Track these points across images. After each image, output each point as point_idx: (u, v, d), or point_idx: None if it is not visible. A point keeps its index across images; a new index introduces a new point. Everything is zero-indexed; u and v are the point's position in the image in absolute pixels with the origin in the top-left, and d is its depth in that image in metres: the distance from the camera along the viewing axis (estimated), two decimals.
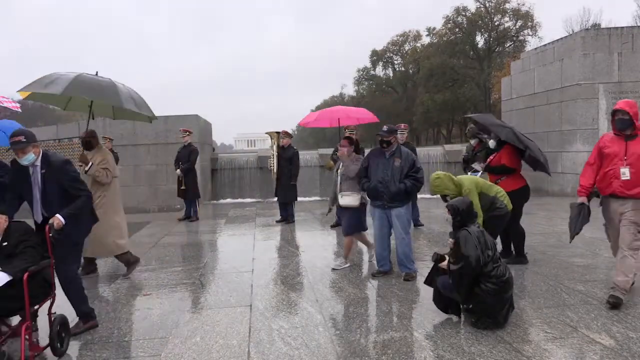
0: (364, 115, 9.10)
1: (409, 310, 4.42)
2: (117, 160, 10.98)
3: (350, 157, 5.81)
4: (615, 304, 4.19)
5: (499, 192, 5.11)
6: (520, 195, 5.78)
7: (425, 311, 4.33)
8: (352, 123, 8.97)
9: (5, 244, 3.47)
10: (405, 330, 3.92)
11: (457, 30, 55.17)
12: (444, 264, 4.06)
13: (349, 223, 5.88)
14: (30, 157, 3.74)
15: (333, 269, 5.86)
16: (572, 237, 4.60)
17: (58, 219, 3.70)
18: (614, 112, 4.34)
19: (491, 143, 6.07)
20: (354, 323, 4.13)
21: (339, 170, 5.91)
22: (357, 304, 4.62)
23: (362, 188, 5.58)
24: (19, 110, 3.38)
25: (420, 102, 53.22)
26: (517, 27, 52.45)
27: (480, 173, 6.01)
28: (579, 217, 4.47)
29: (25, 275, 3.32)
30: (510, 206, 5.10)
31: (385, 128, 5.39)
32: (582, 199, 4.48)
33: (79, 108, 6.03)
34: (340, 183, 5.82)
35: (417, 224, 8.47)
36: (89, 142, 5.82)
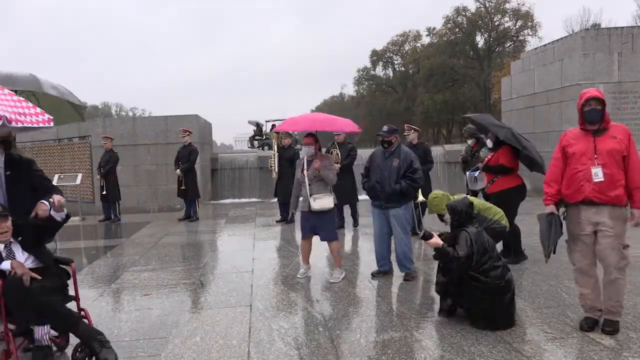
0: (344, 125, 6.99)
1: (409, 310, 4.42)
2: (117, 160, 11.03)
3: (322, 162, 5.36)
4: (612, 332, 3.69)
5: (497, 213, 5.00)
6: (516, 194, 5.80)
7: (425, 311, 4.33)
8: (332, 130, 7.56)
9: (20, 239, 3.47)
10: (405, 330, 3.92)
11: (457, 30, 55.13)
12: (435, 241, 3.94)
13: (330, 228, 5.47)
14: None
15: (332, 282, 5.33)
16: (547, 256, 3.95)
17: (45, 205, 3.56)
18: (585, 103, 3.70)
19: (488, 142, 6.09)
20: (353, 323, 4.13)
21: (304, 172, 5.37)
22: (356, 304, 4.62)
23: (363, 187, 5.58)
24: (50, 124, 3.25)
25: (420, 102, 53.16)
26: (517, 27, 52.40)
27: (478, 172, 6.02)
28: (551, 231, 3.84)
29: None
30: (509, 226, 5.09)
31: (385, 128, 5.30)
32: (551, 208, 3.87)
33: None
34: (310, 185, 5.33)
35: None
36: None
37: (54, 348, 3.52)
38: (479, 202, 5.10)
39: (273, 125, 22.45)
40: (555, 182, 3.86)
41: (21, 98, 3.23)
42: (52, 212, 3.55)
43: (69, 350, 3.56)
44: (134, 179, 12.87)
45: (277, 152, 9.63)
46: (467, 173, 6.24)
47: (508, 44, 54.09)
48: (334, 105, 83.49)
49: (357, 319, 4.22)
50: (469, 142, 6.87)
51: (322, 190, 5.36)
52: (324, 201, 5.30)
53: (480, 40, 55.41)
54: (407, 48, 64.48)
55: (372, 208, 5.54)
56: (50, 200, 3.54)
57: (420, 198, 6.76)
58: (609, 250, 3.63)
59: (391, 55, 66.26)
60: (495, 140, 5.94)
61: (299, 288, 5.21)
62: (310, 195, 5.30)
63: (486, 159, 6.03)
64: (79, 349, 3.38)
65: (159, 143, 12.87)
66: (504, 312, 3.78)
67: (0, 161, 3.72)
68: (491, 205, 5.15)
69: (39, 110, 3.25)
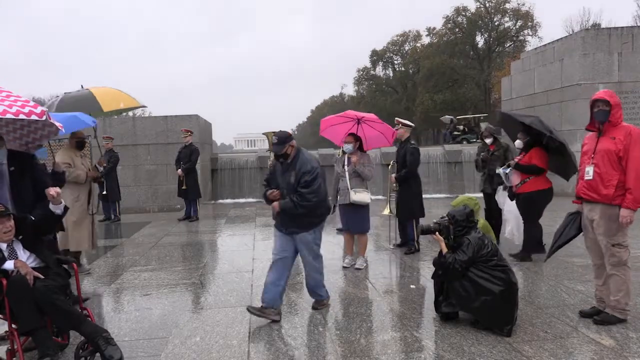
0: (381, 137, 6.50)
1: (409, 310, 4.42)
2: (117, 160, 11.02)
3: (360, 159, 5.75)
4: (600, 322, 3.85)
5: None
6: (543, 197, 5.95)
7: (425, 311, 4.34)
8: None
9: (21, 237, 3.48)
10: (405, 330, 3.93)
11: (457, 30, 55.17)
12: (440, 237, 4.03)
13: (363, 222, 5.85)
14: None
15: (357, 268, 5.84)
16: (548, 255, 4.29)
17: (54, 190, 3.54)
18: (593, 104, 3.84)
19: (518, 143, 6.12)
20: (353, 323, 4.13)
21: (345, 167, 5.79)
22: (356, 304, 4.62)
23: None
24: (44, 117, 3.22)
25: (420, 102, 53.19)
26: (517, 27, 52.41)
27: (509, 170, 6.00)
28: (564, 230, 4.08)
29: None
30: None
31: (275, 139, 4.25)
32: (579, 207, 4.07)
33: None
34: (350, 180, 5.72)
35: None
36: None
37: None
38: (488, 228, 5.02)
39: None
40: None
41: (11, 93, 3.16)
42: (51, 206, 3.55)
43: (70, 349, 3.57)
44: (134, 179, 12.87)
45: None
46: (500, 170, 6.14)
47: (508, 44, 54.10)
48: (334, 106, 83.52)
49: (357, 319, 4.23)
50: (488, 140, 6.74)
51: (360, 185, 5.75)
52: (363, 195, 5.69)
53: (480, 40, 55.43)
54: (407, 48, 64.52)
55: (274, 228, 4.70)
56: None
57: (386, 211, 6.81)
58: (602, 246, 3.84)
59: (391, 55, 66.30)
60: (527, 141, 6.01)
61: (298, 288, 5.21)
62: (351, 188, 5.67)
63: (517, 158, 6.06)
64: (83, 347, 3.39)
65: (159, 143, 12.87)
66: (505, 313, 3.77)
67: (4, 156, 3.69)
68: (489, 229, 5.16)
69: (31, 103, 3.16)
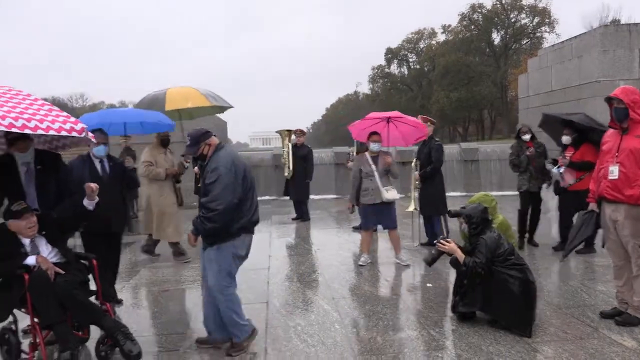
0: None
1: (426, 308, 4.40)
2: (134, 158, 11.12)
3: (388, 158, 5.79)
4: (622, 323, 3.77)
5: (510, 237, 4.87)
6: None
7: (443, 310, 4.31)
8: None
9: (44, 233, 3.55)
10: (422, 328, 3.91)
11: (472, 27, 54.63)
12: (451, 246, 4.00)
13: (394, 218, 5.87)
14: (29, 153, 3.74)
15: (405, 265, 5.83)
16: (564, 255, 4.28)
17: (94, 185, 3.64)
18: (609, 101, 3.78)
19: (565, 139, 6.03)
20: (370, 321, 4.13)
21: (373, 166, 5.73)
22: (373, 302, 4.61)
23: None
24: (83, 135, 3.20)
25: (435, 100, 52.82)
26: (534, 23, 51.76)
27: (563, 168, 5.91)
28: (580, 230, 4.04)
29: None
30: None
31: (187, 140, 3.55)
32: (592, 206, 3.99)
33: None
34: (380, 178, 5.69)
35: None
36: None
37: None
38: (507, 226, 4.94)
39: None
40: (597, 180, 3.95)
41: (53, 108, 3.21)
42: (85, 201, 3.64)
43: (91, 343, 3.63)
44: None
45: (290, 150, 9.62)
46: (554, 169, 6.06)
47: (525, 41, 53.46)
48: (349, 104, 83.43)
49: (374, 317, 4.22)
50: (526, 137, 6.48)
51: (388, 183, 5.77)
52: (393, 192, 5.76)
53: (496, 37, 54.88)
54: (422, 45, 64.10)
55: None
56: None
57: (411, 207, 6.72)
58: (628, 247, 3.72)
59: (406, 53, 65.93)
60: (575, 138, 5.92)
61: (315, 286, 5.23)
62: (383, 187, 5.65)
63: (566, 155, 5.95)
64: (102, 342, 3.45)
65: (176, 142, 12.96)
66: (524, 314, 3.73)
67: (31, 156, 3.77)
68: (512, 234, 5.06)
69: (71, 119, 3.17)
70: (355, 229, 8.34)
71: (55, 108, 3.25)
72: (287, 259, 6.56)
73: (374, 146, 5.82)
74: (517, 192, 6.75)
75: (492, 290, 3.80)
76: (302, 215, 9.66)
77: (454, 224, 5.86)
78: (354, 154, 8.31)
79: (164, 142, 6.34)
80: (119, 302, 4.72)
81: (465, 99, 50.24)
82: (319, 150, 14.48)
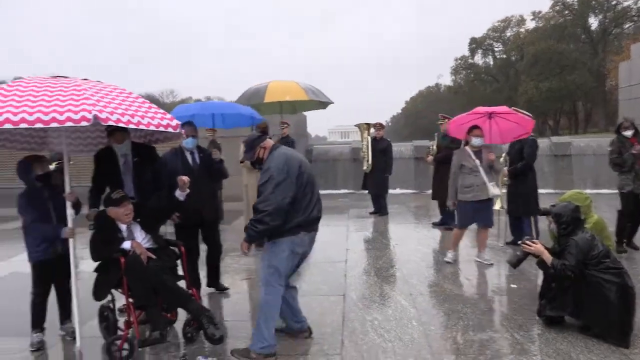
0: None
1: (510, 310, 4.21)
2: (220, 150, 11.60)
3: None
4: None
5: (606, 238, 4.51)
6: None
7: (528, 312, 4.09)
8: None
9: (138, 220, 3.82)
10: (506, 331, 3.74)
11: (566, 12, 50.93)
12: (538, 247, 3.78)
13: (492, 215, 5.72)
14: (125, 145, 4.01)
15: (488, 264, 5.62)
16: None
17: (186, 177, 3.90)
18: None
19: None
20: (449, 320, 4.02)
21: (476, 161, 5.51)
22: (452, 301, 4.48)
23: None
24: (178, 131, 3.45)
25: (523, 90, 49.94)
26: (639, 5, 47.18)
27: None
28: None
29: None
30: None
31: (243, 147, 3.64)
32: None
33: (269, 111, 7.11)
34: (485, 174, 5.49)
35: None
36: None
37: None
38: (603, 226, 4.58)
39: None
40: None
41: (152, 105, 3.49)
42: (177, 192, 3.88)
43: (178, 325, 3.87)
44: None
45: (369, 144, 9.57)
46: None
47: (627, 25, 48.92)
48: (429, 96, 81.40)
49: (454, 315, 4.10)
50: (627, 133, 5.84)
51: (492, 178, 5.60)
52: (497, 189, 5.64)
53: (594, 21, 50.75)
54: (509, 34, 60.87)
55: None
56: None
57: (497, 206, 6.30)
58: None
59: (491, 42, 62.97)
60: None
61: (392, 281, 5.18)
62: (490, 182, 5.49)
63: None
64: (189, 324, 3.67)
65: (275, 134, 13.34)
66: (621, 322, 3.44)
67: (128, 148, 4.06)
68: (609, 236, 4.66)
69: (168, 116, 3.45)
70: (435, 225, 8.15)
71: (154, 105, 3.51)
72: (364, 252, 6.56)
73: (476, 141, 5.55)
74: (616, 191, 6.21)
75: (584, 295, 3.54)
76: (380, 209, 9.60)
77: (544, 224, 5.53)
78: (434, 147, 8.09)
79: (263, 133, 6.48)
80: (225, 289, 4.95)
81: (556, 89, 47.03)
82: (398, 143, 14.30)
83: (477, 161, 5.50)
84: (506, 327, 3.82)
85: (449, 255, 5.82)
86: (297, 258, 3.48)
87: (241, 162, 6.48)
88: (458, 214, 5.81)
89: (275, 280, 3.37)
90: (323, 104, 6.92)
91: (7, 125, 2.79)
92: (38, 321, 3.81)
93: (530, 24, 56.90)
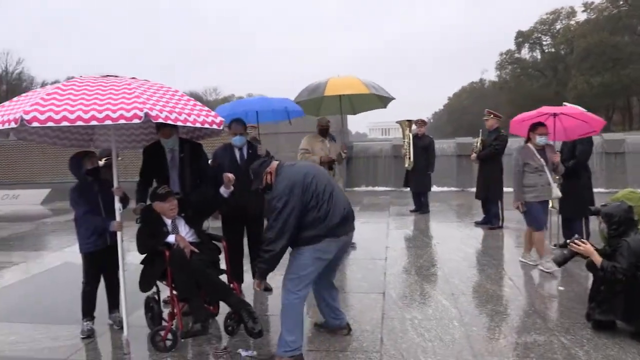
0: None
1: (556, 313, 4.06)
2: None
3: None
4: None
5: None
6: None
7: (576, 316, 3.93)
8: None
9: (183, 214, 3.92)
10: (551, 334, 3.61)
11: (621, 2, 48.49)
12: (586, 247, 3.63)
13: (546, 216, 5.48)
14: (173, 141, 4.10)
15: (547, 272, 5.15)
16: None
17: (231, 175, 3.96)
18: None
19: None
20: (492, 321, 3.92)
21: (542, 160, 5.23)
22: (496, 302, 4.37)
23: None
24: (221, 128, 3.57)
25: (573, 86, 47.95)
26: None
27: None
28: None
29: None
30: None
31: (252, 176, 3.43)
32: None
33: (328, 111, 6.89)
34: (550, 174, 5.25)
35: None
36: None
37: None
38: None
39: None
40: None
41: (197, 103, 3.62)
42: (222, 189, 3.95)
43: (220, 318, 3.95)
44: None
45: (410, 140, 9.45)
46: None
47: None
48: (473, 92, 79.61)
49: (496, 317, 4.00)
50: None
51: (555, 179, 5.36)
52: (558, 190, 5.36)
53: None
54: (558, 27, 58.56)
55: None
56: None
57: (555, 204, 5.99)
58: None
59: (539, 35, 60.76)
60: None
61: (433, 280, 5.10)
62: (554, 182, 5.28)
63: None
64: (230, 317, 3.74)
65: (297, 132, 13.44)
66: None
67: (176, 143, 4.16)
68: None
69: (212, 113, 3.58)
70: (478, 224, 7.98)
71: (198, 103, 3.63)
72: (404, 251, 6.49)
73: (540, 139, 5.26)
74: None
75: (637, 299, 3.37)
76: (421, 207, 9.48)
77: (595, 225, 5.30)
78: (479, 145, 7.89)
79: (322, 131, 6.42)
80: (269, 289, 4.88)
81: (609, 83, 44.90)
82: (440, 140, 14.07)
83: (542, 160, 5.24)
84: (552, 330, 3.69)
85: (547, 265, 5.21)
86: (325, 263, 3.35)
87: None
88: (530, 216, 5.37)
89: (294, 285, 3.27)
90: (383, 100, 6.70)
91: (64, 123, 2.94)
92: (88, 310, 3.98)
93: (582, 16, 54.48)
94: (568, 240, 3.94)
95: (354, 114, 7.23)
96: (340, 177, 6.49)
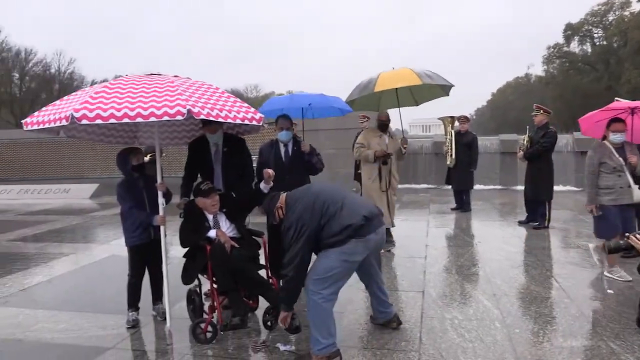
0: None
1: (605, 317, 3.89)
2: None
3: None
4: None
5: None
6: None
7: (627, 321, 3.76)
8: None
9: (224, 210, 4.00)
10: (599, 339, 3.47)
11: None
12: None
13: (634, 222, 5.05)
14: (218, 136, 4.19)
15: (623, 280, 4.77)
16: None
17: (271, 171, 3.98)
18: None
19: None
20: (536, 323, 3.80)
21: (621, 159, 4.80)
22: (540, 304, 4.23)
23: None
24: (261, 124, 3.66)
25: (626, 80, 45.66)
26: None
27: None
28: None
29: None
30: None
31: (264, 204, 3.54)
32: None
33: (388, 105, 6.71)
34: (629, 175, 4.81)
35: None
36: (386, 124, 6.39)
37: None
38: None
39: None
40: None
41: (237, 100, 3.69)
42: (262, 184, 4.01)
43: (259, 312, 4.01)
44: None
45: (453, 137, 9.27)
46: None
47: None
48: (518, 87, 77.26)
49: (540, 319, 3.88)
50: None
51: (635, 181, 4.88)
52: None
53: None
54: (611, 18, 55.92)
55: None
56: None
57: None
58: None
59: (590, 28, 58.20)
60: None
61: (474, 280, 4.99)
62: (636, 184, 4.82)
63: None
64: (268, 312, 3.79)
65: (338, 129, 13.44)
66: None
67: (220, 138, 4.25)
68: None
69: (252, 110, 3.64)
70: (522, 223, 7.75)
71: (238, 100, 3.70)
72: (445, 249, 6.38)
73: (614, 137, 4.81)
74: None
75: None
76: (463, 205, 9.29)
77: None
78: (526, 142, 7.64)
79: (381, 125, 6.35)
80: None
81: None
82: (483, 137, 13.73)
83: (622, 159, 4.79)
84: (600, 334, 3.54)
85: (618, 274, 4.84)
86: (354, 266, 3.30)
87: (358, 146, 6.32)
88: (601, 221, 4.91)
89: (316, 286, 3.20)
90: (443, 89, 6.25)
91: (112, 120, 3.06)
92: (133, 301, 4.12)
93: (637, 6, 51.81)
94: (627, 234, 3.75)
95: (417, 105, 6.95)
96: (396, 173, 6.35)
